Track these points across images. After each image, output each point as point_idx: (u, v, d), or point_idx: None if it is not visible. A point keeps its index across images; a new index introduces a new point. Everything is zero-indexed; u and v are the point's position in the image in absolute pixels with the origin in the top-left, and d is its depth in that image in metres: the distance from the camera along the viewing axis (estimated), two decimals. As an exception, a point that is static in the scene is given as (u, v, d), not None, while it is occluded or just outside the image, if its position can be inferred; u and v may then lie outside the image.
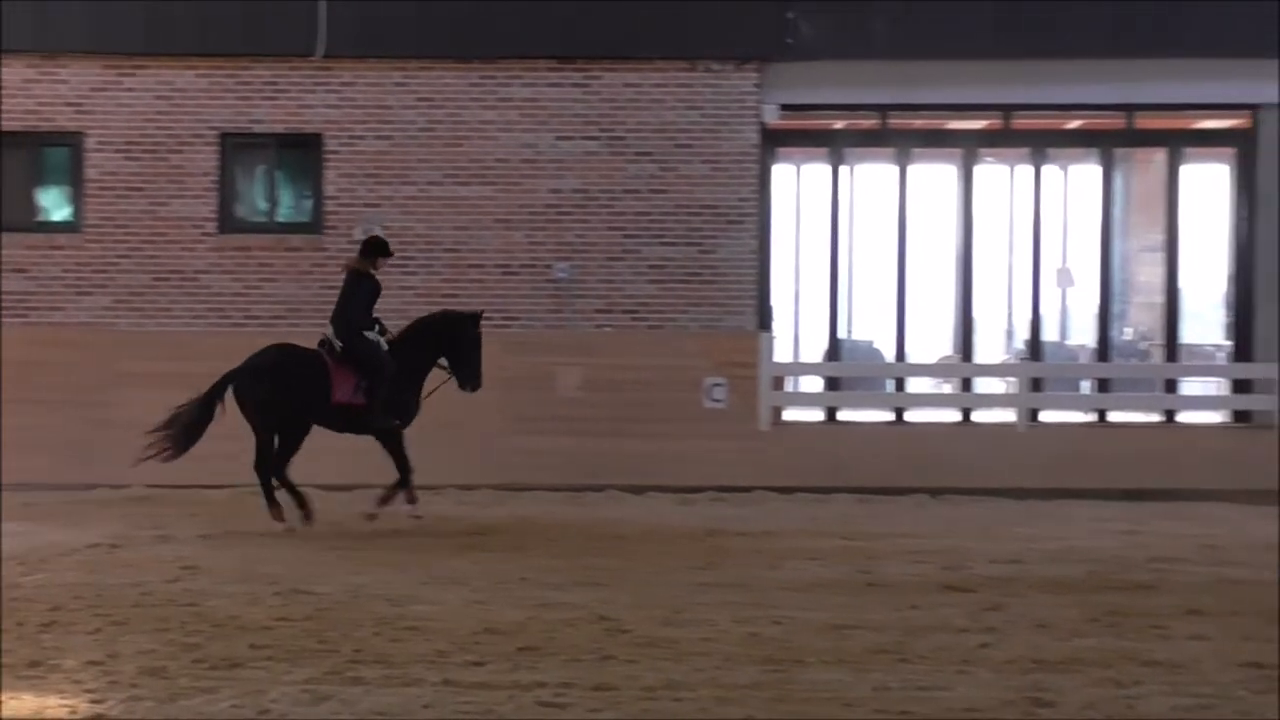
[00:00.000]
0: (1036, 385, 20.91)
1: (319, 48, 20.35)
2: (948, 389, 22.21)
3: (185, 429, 16.08)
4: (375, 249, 16.58)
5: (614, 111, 20.63)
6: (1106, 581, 13.16)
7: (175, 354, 19.45)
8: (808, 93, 20.89)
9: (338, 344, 16.34)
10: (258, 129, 20.61)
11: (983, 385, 21.99)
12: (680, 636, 10.66)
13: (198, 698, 9.09)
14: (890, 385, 21.53)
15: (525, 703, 8.98)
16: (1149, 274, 23.14)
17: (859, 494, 19.10)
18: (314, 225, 20.69)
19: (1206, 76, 20.66)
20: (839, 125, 21.71)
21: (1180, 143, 21.50)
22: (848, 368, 21.51)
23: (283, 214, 20.94)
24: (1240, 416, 21.00)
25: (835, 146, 21.59)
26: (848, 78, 20.82)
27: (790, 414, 21.26)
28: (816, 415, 21.37)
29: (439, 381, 16.54)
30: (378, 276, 16.51)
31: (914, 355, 21.67)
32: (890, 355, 21.58)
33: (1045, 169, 21.69)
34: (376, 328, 16.50)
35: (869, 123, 21.43)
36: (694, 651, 10.20)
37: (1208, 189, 22.42)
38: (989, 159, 22.18)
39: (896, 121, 21.32)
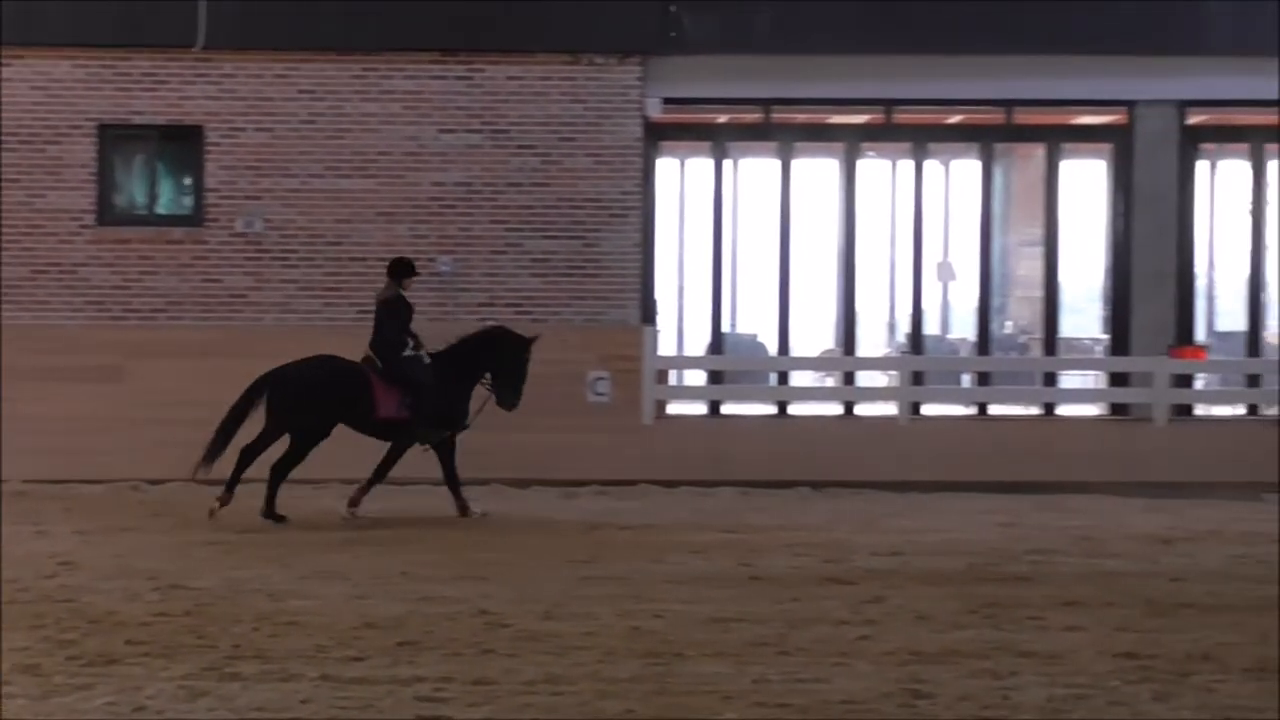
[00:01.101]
0: (918, 379, 21.04)
1: (199, 39, 20.15)
2: (830, 383, 22.31)
3: (219, 433, 16.33)
4: (401, 271, 16.81)
5: (497, 105, 20.58)
6: (985, 573, 13.27)
7: (62, 348, 19.31)
8: (691, 87, 20.92)
9: (379, 365, 16.58)
10: (137, 120, 20.40)
11: (865, 379, 22.09)
12: (561, 630, 10.65)
13: (72, 695, 8.98)
14: (773, 379, 21.60)
15: (404, 698, 8.94)
16: (1028, 268, 23.35)
17: (742, 487, 19.15)
18: (195, 218, 20.50)
19: (1084, 73, 20.85)
20: (722, 119, 21.77)
21: (1059, 138, 21.70)
22: (731, 361, 21.56)
23: (163, 206, 20.74)
24: (1118, 409, 21.21)
25: (718, 140, 21.64)
26: (730, 72, 20.86)
27: (674, 408, 21.29)
28: (700, 409, 21.41)
29: (483, 399, 16.85)
30: (406, 296, 16.73)
31: (797, 349, 21.75)
32: (773, 349, 21.65)
33: (926, 164, 21.83)
34: (411, 343, 16.68)
35: (752, 117, 21.49)
36: (575, 645, 10.19)
37: (1086, 184, 22.65)
38: (871, 153, 22.31)
39: (779, 116, 21.38)
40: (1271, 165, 22.40)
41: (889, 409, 21.03)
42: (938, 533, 15.81)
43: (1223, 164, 22.94)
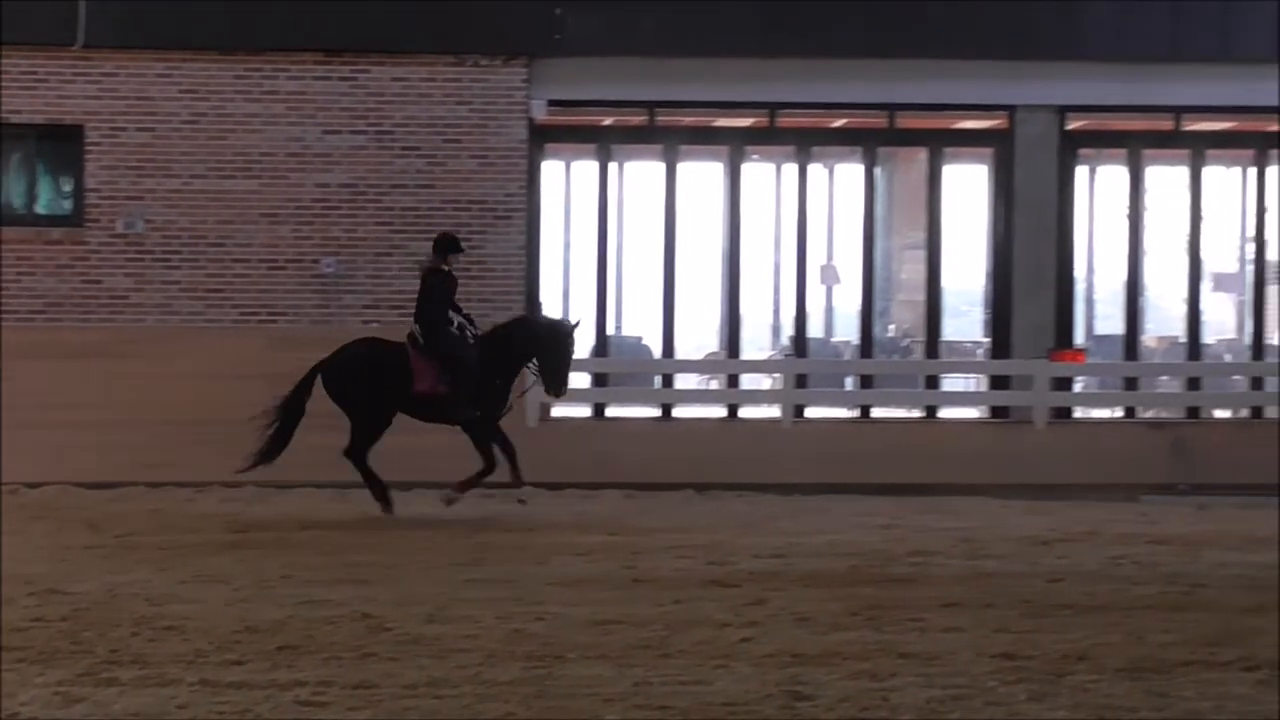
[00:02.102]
0: (801, 381, 21.13)
1: (79, 37, 19.95)
2: (714, 385, 22.38)
3: (278, 430, 16.77)
4: (445, 247, 17.16)
5: (382, 106, 20.49)
6: (866, 575, 13.34)
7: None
8: (576, 88, 20.92)
9: (420, 340, 16.91)
10: (15, 120, 20.15)
11: (749, 381, 22.19)
12: (443, 633, 10.63)
13: (-55, 702, 8.88)
14: (658, 381, 21.64)
15: (283, 702, 8.89)
16: (911, 272, 23.51)
17: (626, 490, 19.18)
18: (75, 218, 20.28)
19: (966, 77, 21.02)
20: (607, 121, 21.78)
21: (941, 143, 21.86)
22: (616, 364, 21.58)
23: (42, 206, 20.50)
24: (998, 412, 21.40)
25: (604, 142, 21.65)
26: (616, 74, 20.88)
27: (558, 410, 21.25)
28: (585, 412, 21.41)
29: (528, 383, 17.33)
30: (451, 271, 17.11)
31: (681, 352, 21.80)
32: (658, 351, 21.69)
33: (810, 167, 21.93)
34: (456, 322, 17.00)
35: (637, 119, 21.52)
36: (456, 649, 10.17)
37: (967, 188, 22.84)
38: (755, 156, 22.39)
39: (664, 118, 21.43)
40: (1150, 170, 22.68)
41: (773, 411, 21.13)
42: (820, 535, 15.89)
43: (1102, 169, 23.20)
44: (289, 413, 16.97)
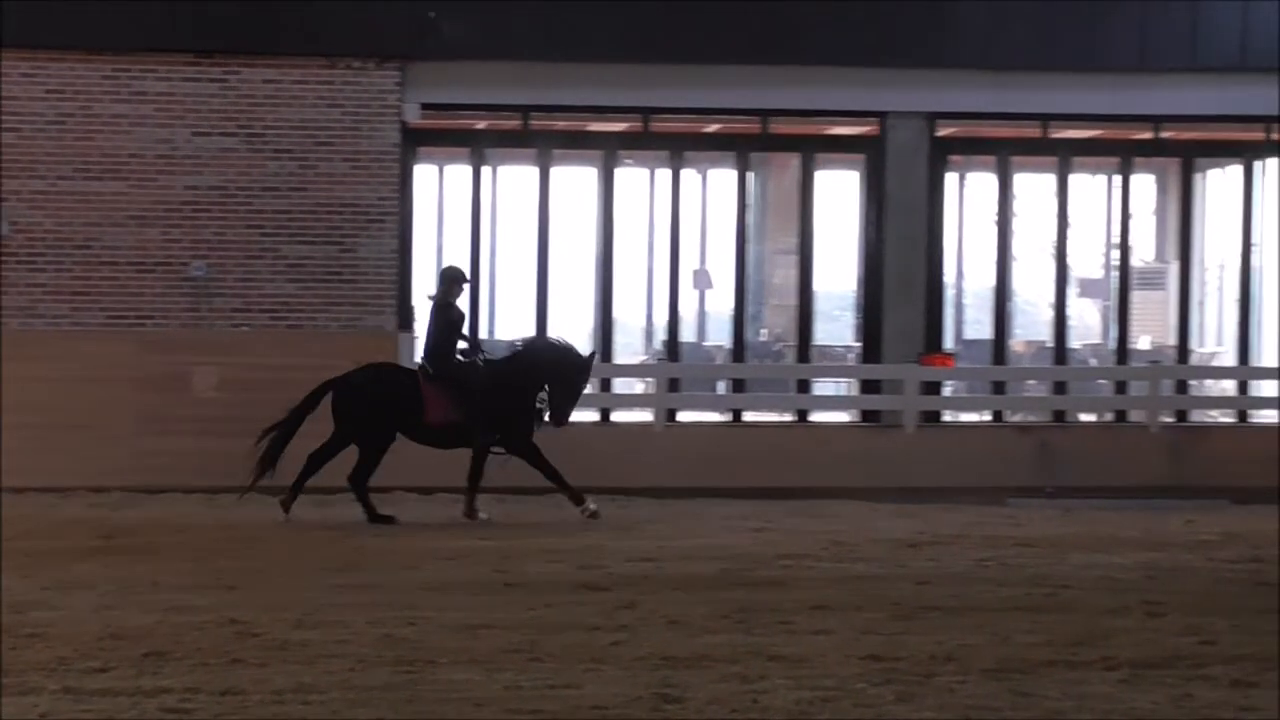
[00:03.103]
0: (674, 385, 21.20)
1: (-58, 36, 19.67)
2: (587, 389, 22.34)
3: (275, 442, 16.85)
4: (448, 279, 17.51)
5: (253, 108, 20.36)
6: (737, 579, 13.40)
7: None
8: (449, 92, 20.89)
9: (430, 372, 17.20)
10: (-124, 120, 19.87)
11: (621, 385, 22.23)
12: (312, 639, 10.57)
13: None
14: (530, 385, 21.60)
15: (149, 709, 8.81)
16: (783, 276, 23.65)
17: (497, 494, 19.12)
18: (-63, 220, 20.01)
19: (838, 84, 21.17)
20: (481, 125, 21.74)
21: (813, 148, 22.00)
22: (488, 368, 21.50)
23: (-98, 209, 20.21)
24: (869, 416, 21.55)
25: (477, 146, 21.62)
26: (490, 78, 20.87)
27: (431, 414, 21.21)
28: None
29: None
30: (455, 304, 17.35)
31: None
32: (530, 356, 21.64)
33: (684, 172, 22.00)
34: (463, 349, 17.36)
35: (511, 123, 21.49)
36: (326, 654, 10.11)
37: (839, 194, 23.00)
38: (629, 161, 22.43)
39: (538, 123, 21.43)
40: (1018, 177, 22.94)
41: (645, 415, 21.18)
42: (692, 538, 15.95)
43: (971, 175, 23.43)
44: (291, 423, 17.00)
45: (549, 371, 17.42)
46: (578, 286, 22.36)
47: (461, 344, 17.57)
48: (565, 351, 17.64)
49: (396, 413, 17.04)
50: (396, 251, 20.71)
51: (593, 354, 17.91)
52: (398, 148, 20.65)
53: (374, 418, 17.06)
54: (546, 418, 17.50)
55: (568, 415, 17.53)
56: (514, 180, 22.37)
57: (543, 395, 17.43)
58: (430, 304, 17.63)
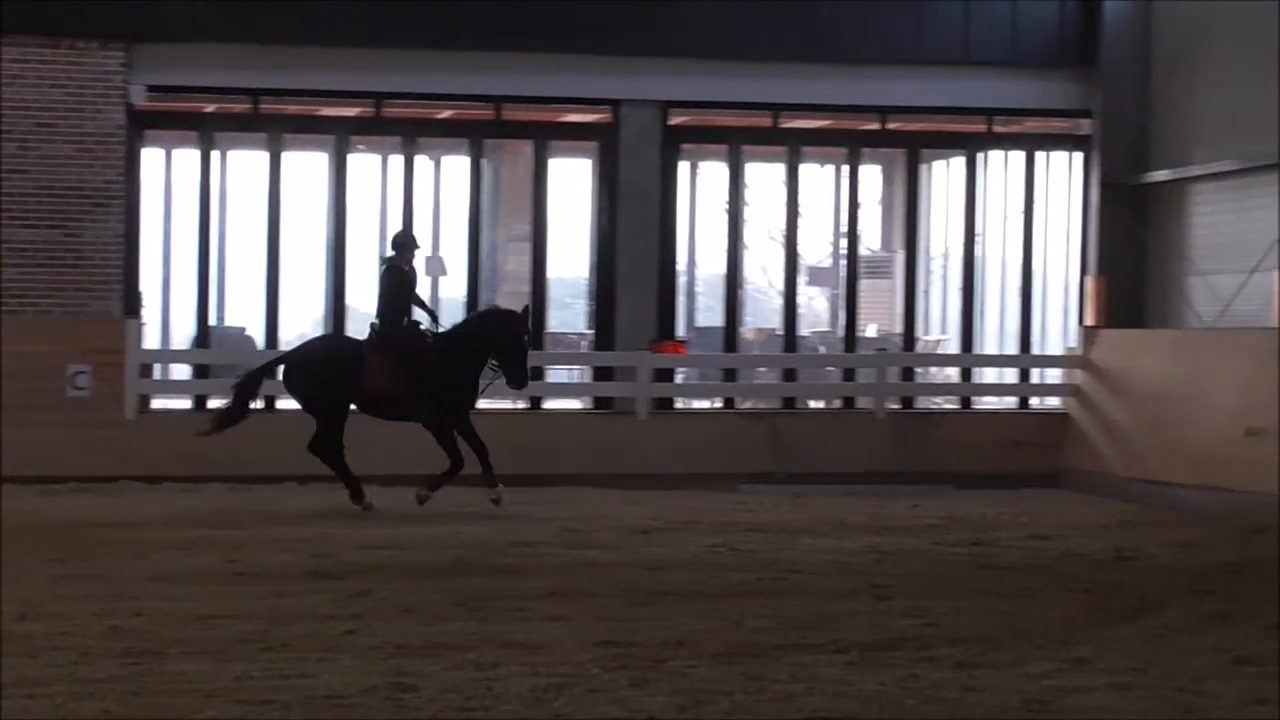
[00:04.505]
0: (407, 372, 21.06)
1: None
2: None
3: (224, 411, 17.37)
4: (398, 243, 17.68)
5: (-28, 88, 19.86)
6: (471, 566, 13.39)
7: None
8: (177, 75, 20.58)
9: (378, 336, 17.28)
10: None
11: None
12: (35, 631, 10.33)
13: None
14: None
15: None
16: (517, 263, 23.67)
17: (229, 483, 18.93)
18: None
19: (571, 71, 21.25)
20: (210, 109, 21.44)
21: (546, 135, 22.05)
22: (218, 355, 21.26)
23: None
24: (601, 403, 21.66)
25: (206, 130, 21.31)
26: (219, 60, 20.60)
27: (158, 402, 20.91)
28: (185, 404, 21.08)
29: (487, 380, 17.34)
30: (405, 268, 17.39)
31: (285, 343, 21.56)
32: (261, 343, 21.43)
33: (417, 158, 21.91)
34: (427, 318, 17.53)
35: (240, 107, 21.23)
36: (50, 646, 9.89)
37: (572, 181, 23.07)
38: (361, 147, 22.28)
39: (268, 106, 21.19)
40: (749, 166, 23.23)
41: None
42: (425, 526, 15.90)
43: (703, 164, 23.67)
44: (243, 390, 17.31)
45: (496, 339, 17.29)
46: (309, 273, 22.16)
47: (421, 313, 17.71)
48: (508, 316, 17.59)
49: (339, 382, 17.04)
50: (123, 236, 20.36)
51: (526, 308, 17.93)
52: (124, 130, 20.30)
53: (320, 389, 17.15)
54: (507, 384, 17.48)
55: (525, 376, 17.47)
56: (244, 165, 22.10)
57: (493, 364, 17.35)
58: (381, 268, 17.70)
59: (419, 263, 21.68)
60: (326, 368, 17.22)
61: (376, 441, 17.85)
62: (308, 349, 17.80)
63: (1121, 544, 15.12)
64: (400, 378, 17.08)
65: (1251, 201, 20.42)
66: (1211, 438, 18.82)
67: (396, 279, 17.47)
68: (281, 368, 17.55)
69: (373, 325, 17.58)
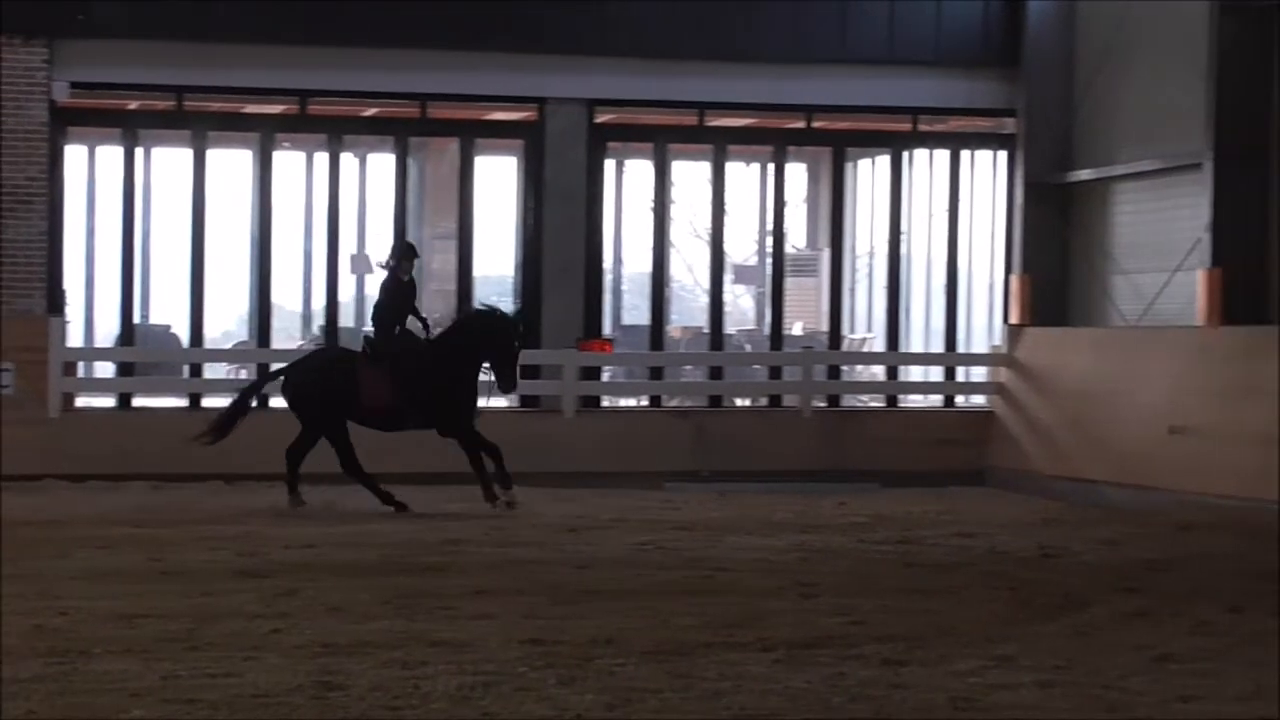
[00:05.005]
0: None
1: None
2: (244, 375, 22.09)
3: (221, 420, 17.19)
4: (396, 252, 17.62)
5: (-110, 83, 19.68)
6: (399, 565, 13.36)
7: None
8: (101, 71, 20.46)
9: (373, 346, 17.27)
10: None
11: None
12: (-42, 632, 10.25)
13: None
14: (186, 371, 21.29)
15: None
16: (443, 261, 23.64)
17: (154, 481, 18.83)
18: None
19: (497, 69, 21.22)
20: (133, 106, 21.32)
21: (472, 133, 22.02)
22: (142, 353, 21.16)
23: None
24: (528, 401, 21.62)
25: (130, 127, 21.19)
26: (143, 57, 20.48)
27: (82, 400, 20.78)
28: (110, 402, 20.95)
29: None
30: (404, 279, 17.30)
31: (210, 341, 21.48)
32: (186, 340, 21.33)
33: (342, 156, 21.84)
34: (401, 325, 17.24)
35: (164, 104, 21.12)
36: (-28, 647, 9.81)
37: (498, 179, 23.06)
38: (286, 144, 22.20)
39: (192, 104, 21.09)
40: (675, 164, 23.26)
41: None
42: (353, 524, 15.86)
43: (629, 162, 23.70)
44: (240, 400, 17.35)
45: (487, 342, 17.22)
46: (234, 270, 22.08)
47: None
48: (500, 321, 17.47)
49: (334, 399, 17.04)
50: (46, 234, 20.21)
51: (519, 309, 17.71)
52: (46, 127, 20.15)
53: (316, 407, 17.14)
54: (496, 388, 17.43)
55: (515, 380, 17.45)
56: (168, 162, 21.99)
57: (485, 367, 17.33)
58: (383, 276, 17.61)
59: (344, 261, 21.77)
60: (323, 386, 17.16)
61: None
62: (306, 365, 17.71)
63: (1046, 542, 15.21)
64: (397, 388, 17.04)
65: (1174, 201, 20.59)
66: (1135, 435, 18.97)
67: (392, 288, 17.38)
68: (280, 381, 17.52)
69: (366, 337, 17.59)
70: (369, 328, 18.06)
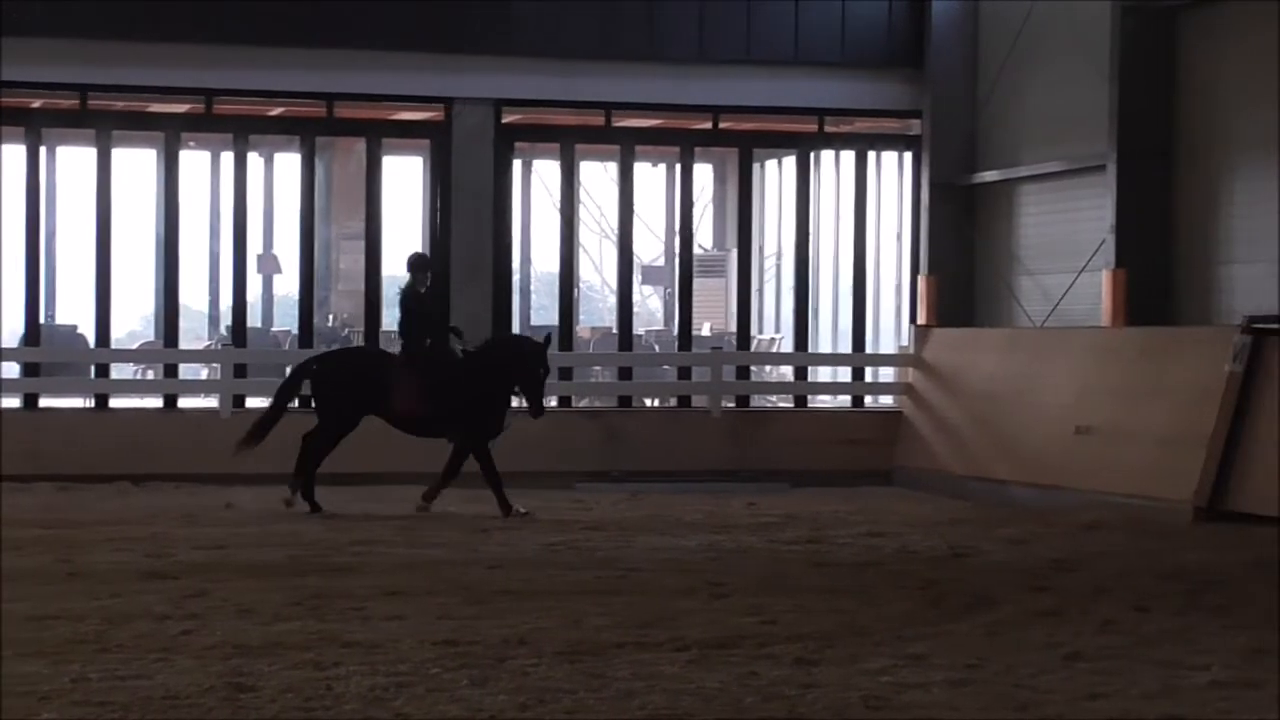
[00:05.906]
0: (241, 371, 20.93)
1: None
2: (151, 375, 21.96)
3: (260, 422, 17.00)
4: (410, 267, 17.35)
5: None
6: (309, 565, 13.29)
7: None
8: (4, 69, 20.23)
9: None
10: None
11: (187, 371, 21.88)
12: None
13: None
14: (93, 371, 21.14)
15: None
16: (350, 261, 23.56)
17: (61, 482, 18.67)
18: None
19: (403, 69, 21.18)
20: (37, 104, 21.14)
21: (379, 133, 21.97)
22: (48, 353, 20.98)
23: None
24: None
25: (34, 126, 21.01)
26: (47, 55, 20.30)
27: (-15, 400, 20.61)
28: (15, 402, 20.76)
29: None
30: (420, 290, 17.19)
31: (116, 341, 21.32)
32: (92, 341, 21.17)
33: (249, 155, 21.73)
34: (431, 336, 17.12)
35: (68, 102, 20.95)
36: (-120, 650, 9.71)
37: (406, 179, 23.03)
38: (192, 144, 22.07)
39: (97, 102, 20.93)
40: (583, 165, 23.28)
41: (211, 402, 20.87)
42: (261, 525, 15.78)
43: (537, 162, 23.70)
44: (277, 402, 17.15)
45: (519, 364, 17.12)
46: (140, 270, 21.95)
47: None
48: (534, 344, 17.43)
49: (366, 397, 16.93)
50: (-53, 234, 20.02)
51: (547, 338, 17.73)
52: (-52, 126, 19.96)
53: (346, 400, 17.02)
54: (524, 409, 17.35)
55: (543, 406, 17.40)
56: (73, 161, 21.83)
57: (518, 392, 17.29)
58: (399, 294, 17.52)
59: (251, 261, 21.67)
60: (358, 382, 17.08)
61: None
62: (343, 358, 17.89)
63: (956, 541, 15.31)
64: (433, 395, 16.99)
65: (1079, 202, 20.78)
66: (1042, 435, 19.12)
67: (411, 305, 17.28)
68: (311, 376, 17.35)
69: (403, 344, 17.53)
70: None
